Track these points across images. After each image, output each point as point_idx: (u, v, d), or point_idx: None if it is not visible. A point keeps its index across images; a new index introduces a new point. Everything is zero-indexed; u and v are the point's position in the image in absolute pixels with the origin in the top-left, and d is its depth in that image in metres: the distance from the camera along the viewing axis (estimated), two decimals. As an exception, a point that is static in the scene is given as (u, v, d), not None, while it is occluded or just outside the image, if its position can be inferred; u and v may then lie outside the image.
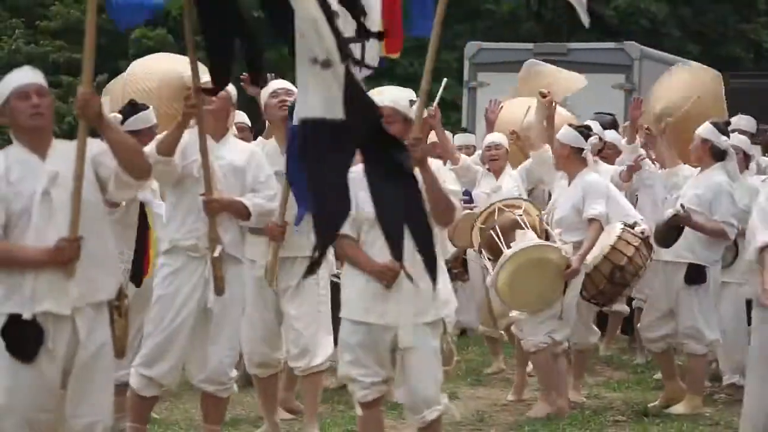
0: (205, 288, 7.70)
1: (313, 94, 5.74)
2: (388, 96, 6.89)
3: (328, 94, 5.58)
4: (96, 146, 6.16)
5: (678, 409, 9.84)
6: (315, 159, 5.68)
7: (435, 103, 10.20)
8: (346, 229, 6.83)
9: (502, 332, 11.82)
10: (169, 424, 9.35)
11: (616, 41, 19.61)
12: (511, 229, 9.44)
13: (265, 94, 8.72)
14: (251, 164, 7.95)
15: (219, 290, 7.65)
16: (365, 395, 7.00)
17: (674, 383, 10.17)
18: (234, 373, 7.99)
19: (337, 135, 5.37)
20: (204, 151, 7.46)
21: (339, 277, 9.99)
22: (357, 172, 7.03)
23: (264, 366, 8.76)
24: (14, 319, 5.87)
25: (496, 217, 9.56)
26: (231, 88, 8.01)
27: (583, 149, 9.78)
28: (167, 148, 7.46)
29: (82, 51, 6.52)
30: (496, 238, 9.38)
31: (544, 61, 13.84)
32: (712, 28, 30.58)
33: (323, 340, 8.68)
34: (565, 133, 9.87)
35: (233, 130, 8.70)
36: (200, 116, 7.49)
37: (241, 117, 10.53)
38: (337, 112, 5.62)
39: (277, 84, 8.77)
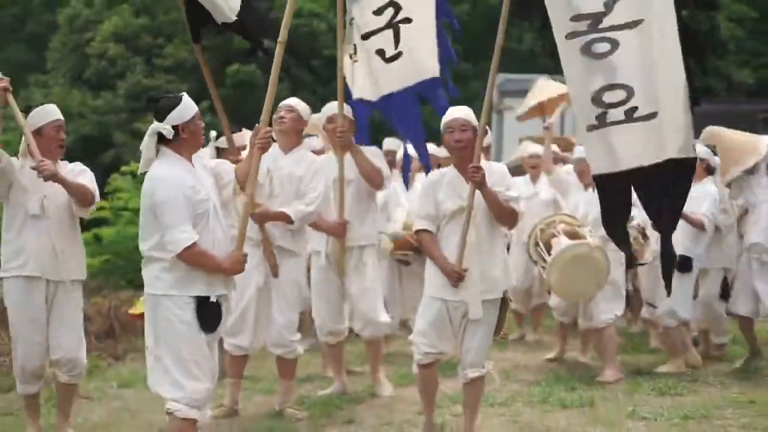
0: (260, 271, 7.82)
1: None
2: (461, 111, 6.97)
3: None
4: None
5: (664, 368, 9.79)
6: None
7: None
8: (427, 225, 6.94)
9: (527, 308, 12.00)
10: (258, 379, 9.42)
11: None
12: (553, 238, 9.46)
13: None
14: (308, 173, 8.00)
15: (274, 274, 7.88)
16: (420, 359, 7.04)
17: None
18: (297, 336, 8.08)
19: None
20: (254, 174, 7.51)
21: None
22: (436, 175, 7.14)
23: (332, 334, 8.77)
24: (203, 301, 5.88)
25: (539, 236, 9.57)
26: (302, 109, 8.08)
27: None
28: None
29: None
30: (543, 252, 9.38)
31: (557, 89, 13.73)
32: (692, 64, 30.44)
33: (380, 312, 8.70)
34: None
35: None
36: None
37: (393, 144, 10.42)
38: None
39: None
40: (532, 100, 12.88)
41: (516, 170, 12.66)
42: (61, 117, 7.12)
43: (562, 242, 9.20)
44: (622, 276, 9.64)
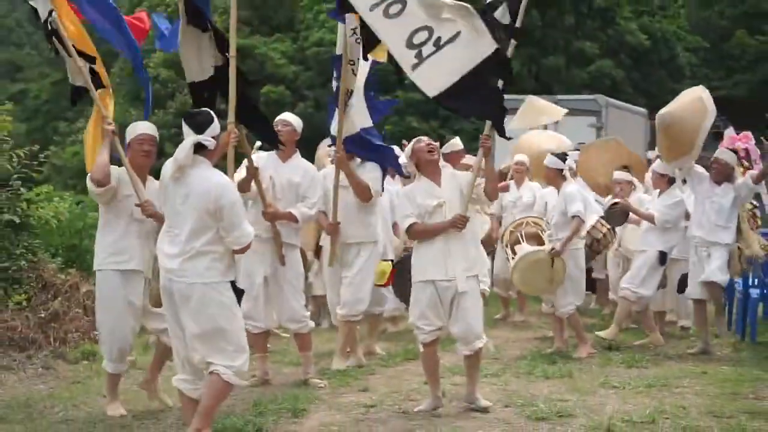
0: (265, 263, 7.81)
1: None
2: None
3: None
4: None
5: (603, 333, 9.77)
6: None
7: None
8: (413, 219, 6.98)
9: (511, 293, 11.90)
10: (286, 353, 9.41)
11: (590, 94, 19.39)
12: (517, 243, 9.48)
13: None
14: (305, 179, 8.04)
15: (282, 263, 7.87)
16: (425, 339, 7.01)
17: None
18: (307, 313, 8.12)
19: None
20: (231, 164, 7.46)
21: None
22: (412, 185, 7.13)
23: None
24: (234, 284, 5.83)
25: (508, 238, 9.58)
26: (296, 123, 8.17)
27: (562, 169, 9.54)
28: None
29: (224, 103, 6.71)
30: (509, 253, 9.51)
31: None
32: (654, 87, 30.47)
33: (361, 298, 8.63)
34: (550, 160, 9.53)
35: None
36: (248, 153, 7.57)
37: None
38: None
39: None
40: (522, 115, 13.04)
41: (505, 177, 12.66)
42: (146, 132, 7.01)
43: (523, 248, 9.32)
44: (582, 271, 9.57)
